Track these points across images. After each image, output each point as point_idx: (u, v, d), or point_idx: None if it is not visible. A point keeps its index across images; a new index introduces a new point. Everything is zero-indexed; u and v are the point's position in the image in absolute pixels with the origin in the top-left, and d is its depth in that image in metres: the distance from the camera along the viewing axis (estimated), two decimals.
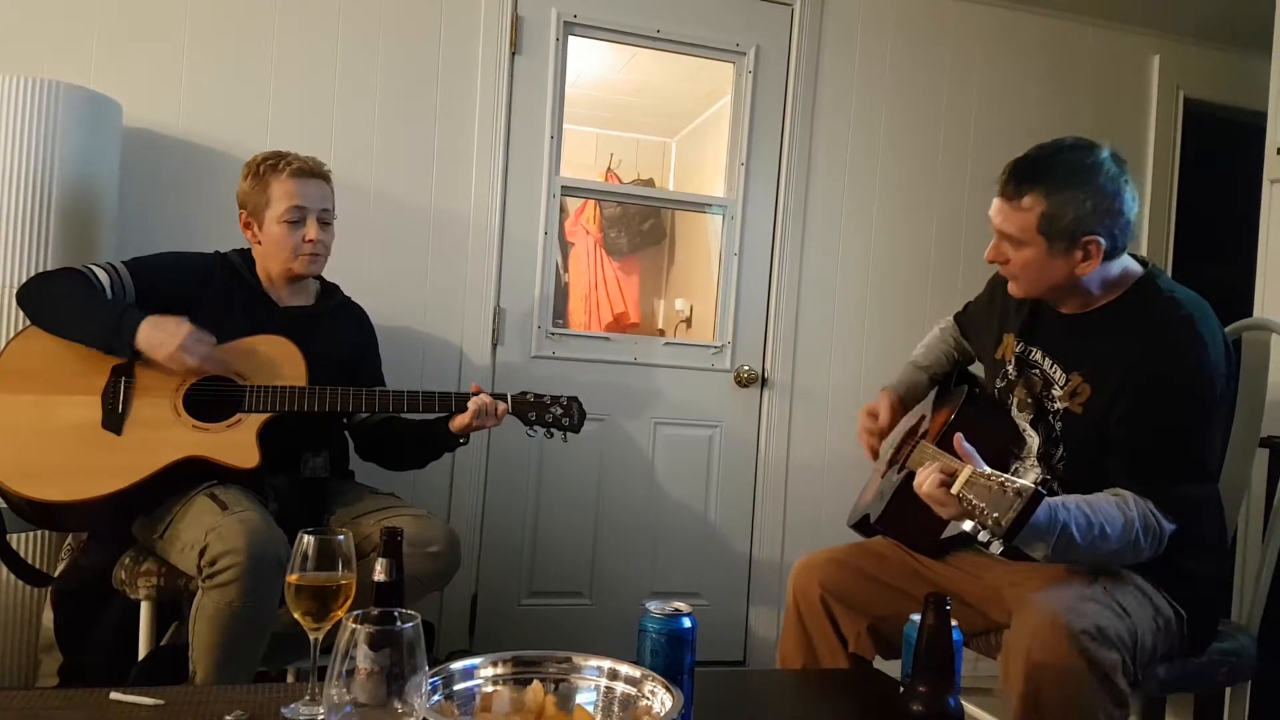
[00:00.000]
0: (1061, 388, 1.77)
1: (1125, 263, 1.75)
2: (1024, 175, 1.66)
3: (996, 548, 1.43)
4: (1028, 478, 1.39)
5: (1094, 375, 1.72)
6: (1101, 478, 1.66)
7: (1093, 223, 1.63)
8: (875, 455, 2.03)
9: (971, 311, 2.16)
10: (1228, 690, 1.99)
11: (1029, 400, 1.84)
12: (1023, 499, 1.36)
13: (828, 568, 1.95)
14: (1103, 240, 1.64)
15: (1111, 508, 1.56)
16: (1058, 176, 1.63)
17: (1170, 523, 1.60)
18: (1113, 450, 1.67)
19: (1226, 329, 1.98)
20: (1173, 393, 1.63)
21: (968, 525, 1.46)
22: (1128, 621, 1.58)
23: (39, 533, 2.31)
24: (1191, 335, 1.64)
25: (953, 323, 2.20)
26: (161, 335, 1.98)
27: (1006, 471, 1.56)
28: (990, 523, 1.39)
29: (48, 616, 2.23)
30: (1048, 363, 1.81)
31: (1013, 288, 1.80)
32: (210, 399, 2.05)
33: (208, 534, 1.85)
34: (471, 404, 2.15)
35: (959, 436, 1.56)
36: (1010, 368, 1.89)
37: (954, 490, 1.47)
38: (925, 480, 1.54)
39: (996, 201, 1.71)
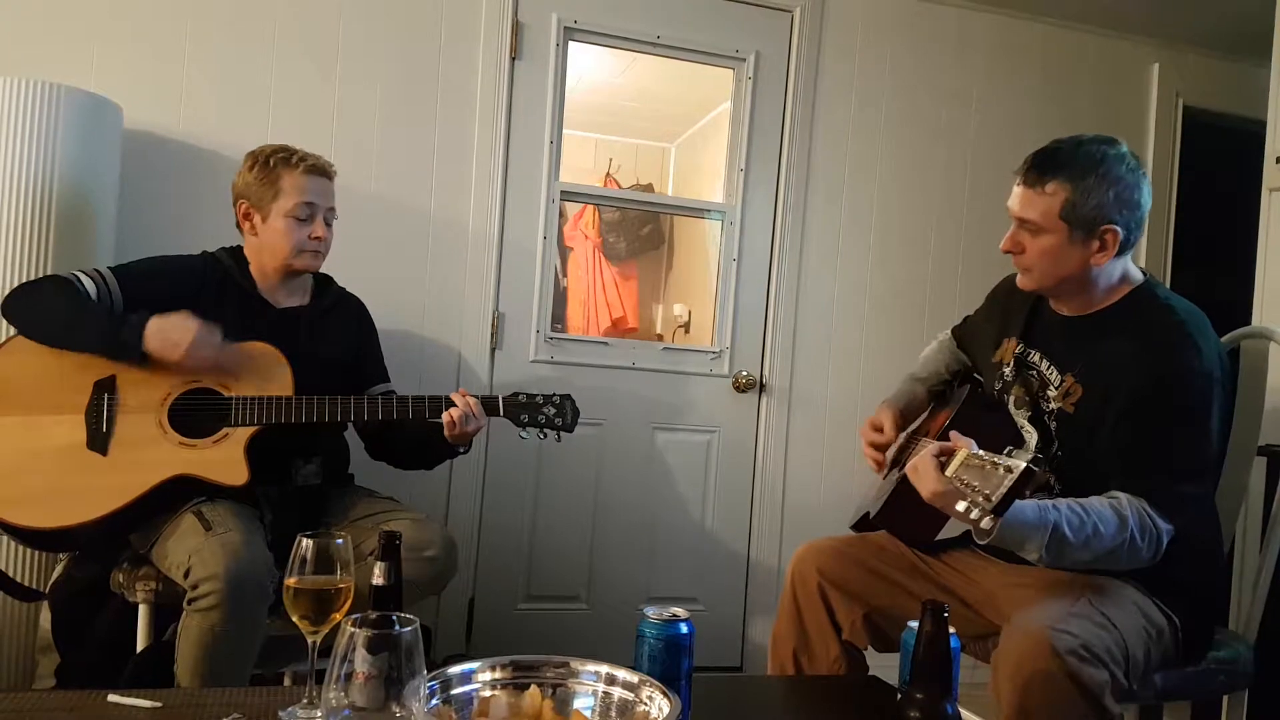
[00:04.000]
0: (1056, 388, 1.79)
1: (1127, 268, 1.79)
2: (1048, 163, 1.70)
3: (987, 524, 1.41)
4: (1021, 460, 1.38)
5: (1087, 376, 1.74)
6: (1094, 476, 1.67)
7: (1112, 212, 1.67)
8: (881, 468, 2.04)
9: (970, 324, 2.18)
10: (1225, 699, 1.99)
11: (1026, 398, 1.85)
12: (1013, 474, 1.36)
13: (828, 555, 1.96)
14: (1120, 230, 1.68)
15: (1105, 508, 1.57)
16: (1082, 164, 1.68)
17: (1166, 522, 1.60)
18: (1107, 452, 1.68)
19: (1225, 337, 2.00)
20: (1164, 393, 1.64)
21: (960, 506, 1.45)
22: (1115, 634, 1.58)
23: None
24: (1184, 339, 1.66)
25: (950, 336, 2.22)
26: (173, 336, 1.95)
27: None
28: (981, 499, 1.39)
29: (45, 617, 2.23)
30: (1045, 364, 1.83)
31: (1023, 280, 1.81)
32: (196, 412, 2.02)
33: (190, 556, 1.84)
34: (445, 417, 2.11)
35: (954, 432, 1.57)
36: (1008, 369, 1.91)
37: (948, 472, 1.47)
38: (920, 464, 1.54)
39: (1018, 189, 1.74)
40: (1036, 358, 1.85)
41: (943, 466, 1.49)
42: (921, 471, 1.54)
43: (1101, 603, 1.62)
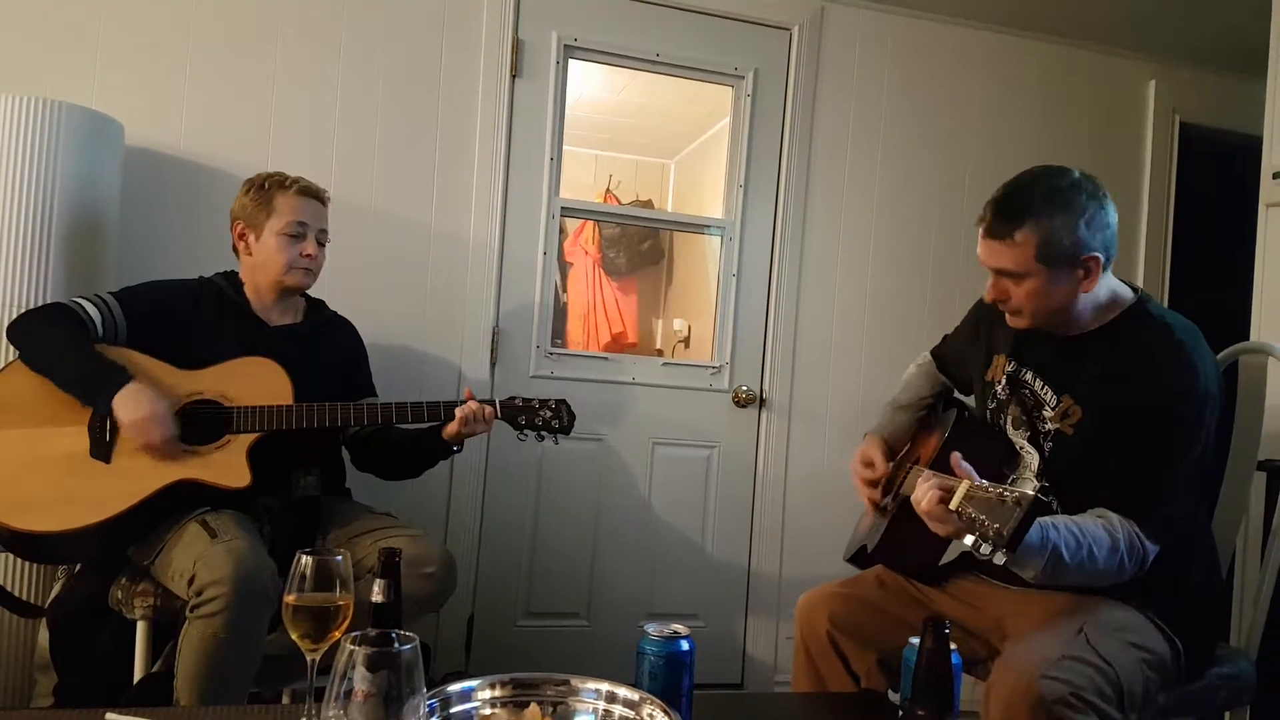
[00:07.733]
0: (1053, 409, 1.77)
1: (1114, 286, 1.76)
2: (1010, 211, 1.67)
3: (1000, 559, 1.39)
4: (1025, 488, 1.37)
5: (1085, 398, 1.73)
6: (1090, 498, 1.66)
7: (1088, 239, 1.65)
8: (876, 506, 2.00)
9: (951, 344, 2.17)
10: (1227, 715, 1.98)
11: (1023, 418, 1.83)
12: (1022, 508, 1.34)
13: (832, 602, 1.92)
14: (1100, 255, 1.66)
15: (1099, 529, 1.56)
16: (1044, 204, 1.65)
17: (1153, 544, 1.59)
18: (1099, 472, 1.67)
19: (1223, 353, 2.00)
20: (1161, 417, 1.63)
21: (969, 540, 1.43)
22: (1110, 673, 1.56)
23: None
24: (1183, 361, 1.65)
25: (930, 358, 2.21)
26: (141, 402, 1.94)
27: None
28: (992, 534, 1.37)
29: (43, 636, 2.22)
30: (1038, 383, 1.82)
31: (1015, 321, 1.79)
32: (198, 423, 2.05)
33: (196, 563, 1.84)
34: (459, 411, 2.16)
35: (956, 455, 1.55)
36: (1000, 388, 1.89)
37: (952, 505, 1.45)
38: (924, 498, 1.51)
39: (985, 242, 1.72)
40: (1029, 376, 1.83)
41: (945, 501, 1.48)
42: (925, 507, 1.51)
43: (1098, 638, 1.60)
